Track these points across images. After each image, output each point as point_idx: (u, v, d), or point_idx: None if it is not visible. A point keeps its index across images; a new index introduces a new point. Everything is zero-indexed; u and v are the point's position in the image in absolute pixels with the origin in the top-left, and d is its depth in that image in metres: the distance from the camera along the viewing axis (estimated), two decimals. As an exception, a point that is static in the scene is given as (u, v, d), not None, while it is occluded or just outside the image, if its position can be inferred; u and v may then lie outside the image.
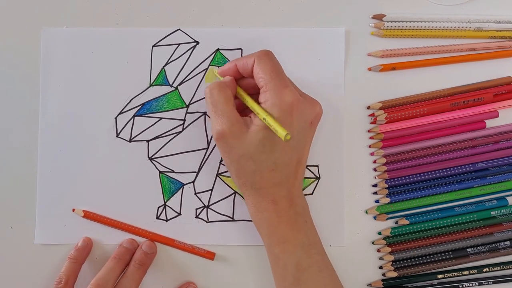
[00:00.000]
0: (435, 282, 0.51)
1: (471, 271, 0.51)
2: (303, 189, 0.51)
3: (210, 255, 0.51)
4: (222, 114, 0.44)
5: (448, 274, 0.51)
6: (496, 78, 0.52)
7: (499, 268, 0.51)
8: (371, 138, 0.52)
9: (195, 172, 0.52)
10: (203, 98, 0.52)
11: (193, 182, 0.52)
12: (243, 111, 0.47)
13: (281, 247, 0.45)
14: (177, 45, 0.52)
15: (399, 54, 0.51)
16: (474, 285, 0.51)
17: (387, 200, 0.51)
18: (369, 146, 0.52)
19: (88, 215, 0.51)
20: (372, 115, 0.52)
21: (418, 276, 0.51)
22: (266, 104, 0.43)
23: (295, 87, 0.47)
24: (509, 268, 0.51)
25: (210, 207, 0.52)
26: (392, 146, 0.51)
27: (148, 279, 0.51)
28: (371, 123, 0.52)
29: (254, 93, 0.46)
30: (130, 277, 0.49)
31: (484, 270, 0.51)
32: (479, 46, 0.52)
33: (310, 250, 0.45)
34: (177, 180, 0.52)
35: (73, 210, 0.51)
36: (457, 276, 0.51)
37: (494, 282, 0.51)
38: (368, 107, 0.52)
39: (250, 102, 0.45)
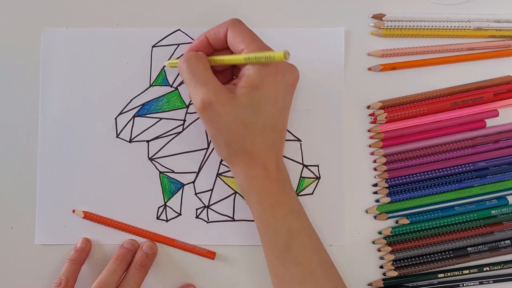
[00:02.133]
0: (435, 281, 0.51)
1: (471, 270, 0.51)
2: (303, 189, 0.51)
3: (210, 255, 0.51)
4: (205, 82, 0.42)
5: (449, 273, 0.51)
6: (496, 77, 0.52)
7: (499, 267, 0.51)
8: (371, 137, 0.52)
9: (195, 172, 0.52)
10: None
11: (193, 182, 0.52)
12: None
13: (272, 212, 0.44)
14: (177, 45, 0.52)
15: (399, 53, 0.51)
16: (474, 284, 0.51)
17: (388, 199, 0.51)
18: (369, 146, 0.52)
19: (88, 216, 0.51)
20: (372, 114, 0.52)
21: (419, 276, 0.51)
22: (254, 73, 0.42)
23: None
24: (510, 267, 0.51)
25: (210, 207, 0.51)
26: (392, 145, 0.51)
27: (149, 280, 0.51)
28: (371, 122, 0.52)
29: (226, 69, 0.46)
30: (132, 279, 0.49)
31: (485, 269, 0.51)
32: (478, 45, 0.52)
33: (299, 215, 0.46)
34: (177, 181, 0.52)
35: (73, 211, 0.51)
36: (457, 275, 0.51)
37: (494, 281, 0.51)
38: (368, 107, 0.52)
39: (229, 57, 0.44)
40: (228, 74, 0.49)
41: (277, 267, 0.45)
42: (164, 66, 0.52)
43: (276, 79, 0.43)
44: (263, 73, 0.42)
